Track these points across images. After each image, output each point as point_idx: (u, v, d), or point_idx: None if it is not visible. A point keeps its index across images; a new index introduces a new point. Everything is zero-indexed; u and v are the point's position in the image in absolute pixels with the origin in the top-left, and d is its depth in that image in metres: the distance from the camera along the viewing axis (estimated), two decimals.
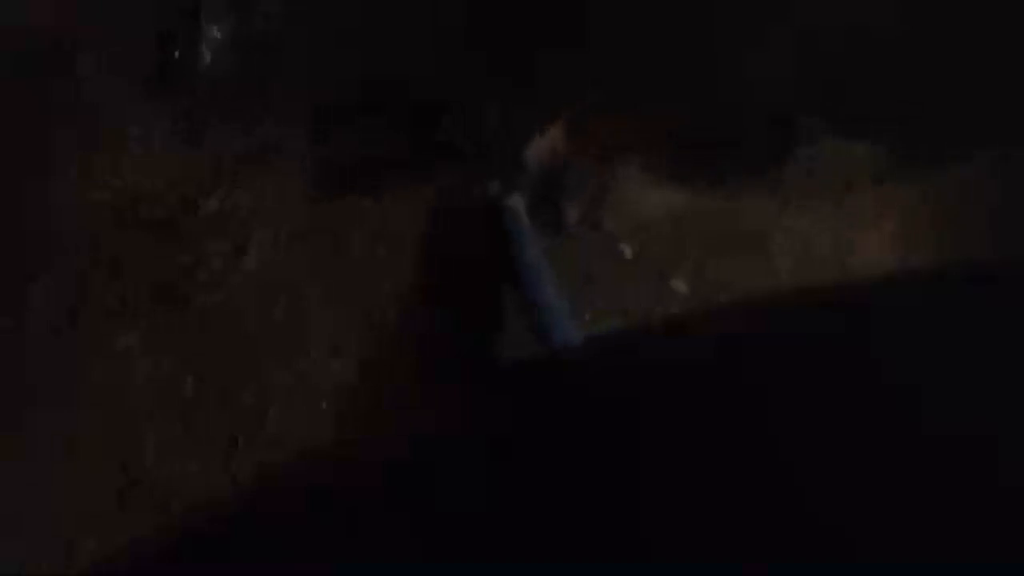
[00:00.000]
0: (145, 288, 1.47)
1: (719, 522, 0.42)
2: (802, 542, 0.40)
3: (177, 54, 1.45)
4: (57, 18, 1.46)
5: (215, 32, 1.46)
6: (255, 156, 1.49)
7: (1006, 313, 0.51)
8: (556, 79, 1.54)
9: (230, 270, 1.49)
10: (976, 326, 0.50)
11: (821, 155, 1.60)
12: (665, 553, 0.41)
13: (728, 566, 0.40)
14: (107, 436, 1.45)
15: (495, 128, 1.53)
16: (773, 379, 0.50)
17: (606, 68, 1.55)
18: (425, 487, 0.48)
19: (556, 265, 1.50)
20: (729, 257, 1.57)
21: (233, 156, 1.49)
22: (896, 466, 0.43)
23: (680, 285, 1.56)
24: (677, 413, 0.49)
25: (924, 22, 1.58)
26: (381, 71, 1.51)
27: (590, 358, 0.63)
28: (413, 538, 0.45)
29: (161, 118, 1.48)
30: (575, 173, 1.55)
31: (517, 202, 1.50)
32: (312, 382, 1.49)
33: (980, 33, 1.58)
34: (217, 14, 1.47)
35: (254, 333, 1.49)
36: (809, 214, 1.60)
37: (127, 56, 1.47)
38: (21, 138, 1.45)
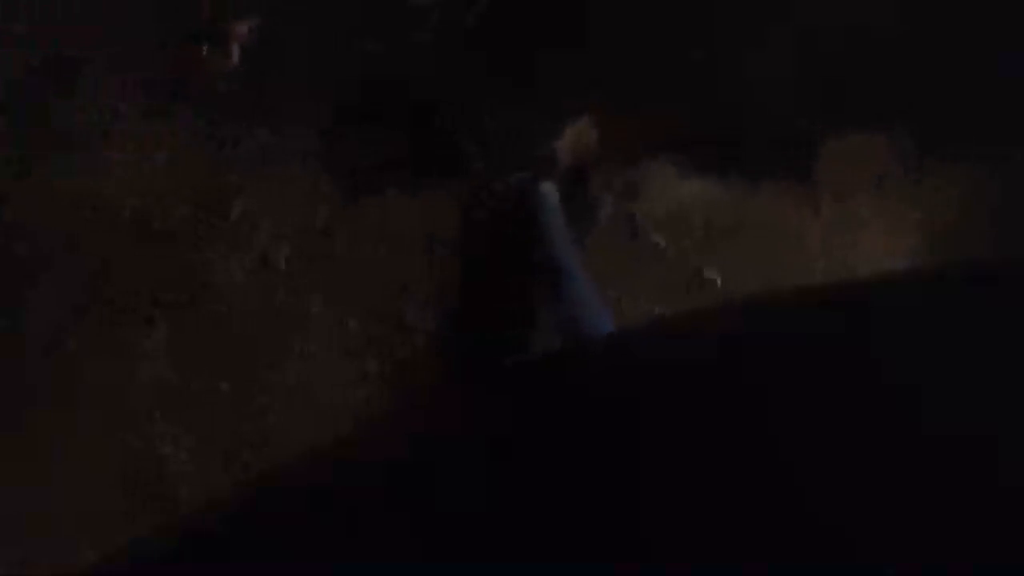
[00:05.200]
0: (146, 289, 1.47)
1: (719, 522, 0.42)
2: (802, 542, 0.40)
3: (205, 51, 1.44)
4: (65, 21, 1.46)
5: (244, 29, 1.46)
6: (256, 156, 1.49)
7: (1006, 313, 0.51)
8: (556, 79, 1.54)
9: (230, 270, 1.49)
10: (976, 326, 0.50)
11: (851, 148, 1.60)
12: (665, 553, 0.41)
13: (728, 566, 0.40)
14: (107, 436, 1.45)
15: (495, 127, 1.53)
16: (773, 379, 0.50)
17: (606, 68, 1.55)
18: (425, 487, 0.48)
19: (587, 256, 1.51)
20: (761, 249, 1.58)
21: (235, 156, 1.49)
22: (896, 466, 0.43)
23: (713, 274, 1.56)
24: (677, 413, 0.49)
25: (924, 22, 1.58)
26: (381, 71, 1.51)
27: (590, 358, 0.63)
28: (413, 538, 0.45)
29: (167, 117, 1.48)
30: (606, 164, 1.55)
31: (549, 190, 1.50)
32: (313, 382, 1.49)
33: (980, 33, 1.58)
34: (241, 12, 1.46)
35: (254, 333, 1.49)
36: (841, 207, 1.60)
37: (139, 58, 1.47)
38: (22, 137, 1.45)
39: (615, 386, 0.53)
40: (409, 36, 1.51)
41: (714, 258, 1.57)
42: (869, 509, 0.41)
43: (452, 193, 1.52)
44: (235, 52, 1.46)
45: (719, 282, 1.56)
